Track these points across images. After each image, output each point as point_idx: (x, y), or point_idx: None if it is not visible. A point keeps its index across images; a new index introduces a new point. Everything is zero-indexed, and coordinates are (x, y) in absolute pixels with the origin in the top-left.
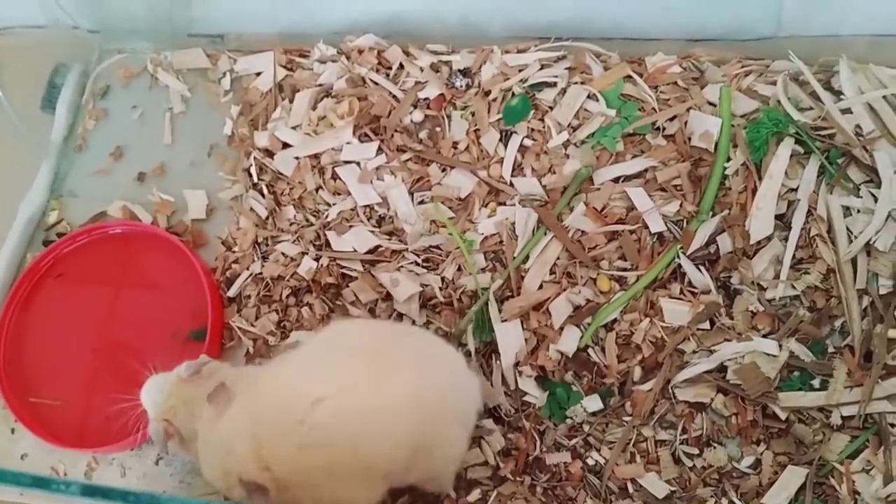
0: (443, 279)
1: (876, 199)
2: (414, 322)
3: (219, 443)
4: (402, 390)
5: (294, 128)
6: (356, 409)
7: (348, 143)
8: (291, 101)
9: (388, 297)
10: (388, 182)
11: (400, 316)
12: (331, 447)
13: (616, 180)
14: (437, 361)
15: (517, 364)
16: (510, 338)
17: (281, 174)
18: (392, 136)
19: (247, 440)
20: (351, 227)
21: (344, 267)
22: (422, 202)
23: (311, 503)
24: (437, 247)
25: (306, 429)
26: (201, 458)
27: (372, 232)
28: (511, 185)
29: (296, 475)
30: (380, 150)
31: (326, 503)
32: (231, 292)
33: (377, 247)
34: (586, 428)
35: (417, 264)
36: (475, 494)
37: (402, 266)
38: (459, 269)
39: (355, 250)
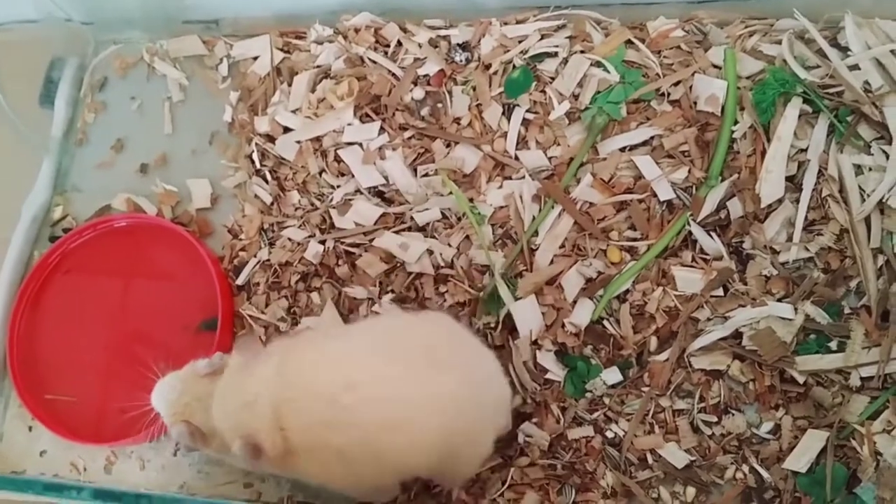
0: (449, 245)
1: (887, 156)
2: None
3: (240, 394)
4: (439, 393)
5: (294, 111)
6: (388, 399)
7: (349, 124)
8: (290, 85)
9: (394, 269)
10: (388, 158)
11: (415, 279)
12: (353, 432)
13: (622, 150)
14: (478, 366)
15: (535, 341)
16: (527, 315)
17: (283, 159)
18: (393, 114)
19: (270, 400)
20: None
21: (350, 245)
22: (426, 175)
23: (316, 472)
24: (445, 216)
25: (336, 408)
26: (216, 402)
27: (376, 204)
28: (516, 158)
29: (309, 447)
30: (382, 129)
31: (330, 483)
32: (240, 280)
33: (383, 214)
34: (607, 401)
35: (424, 234)
36: (495, 481)
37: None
38: (467, 238)
39: (360, 225)
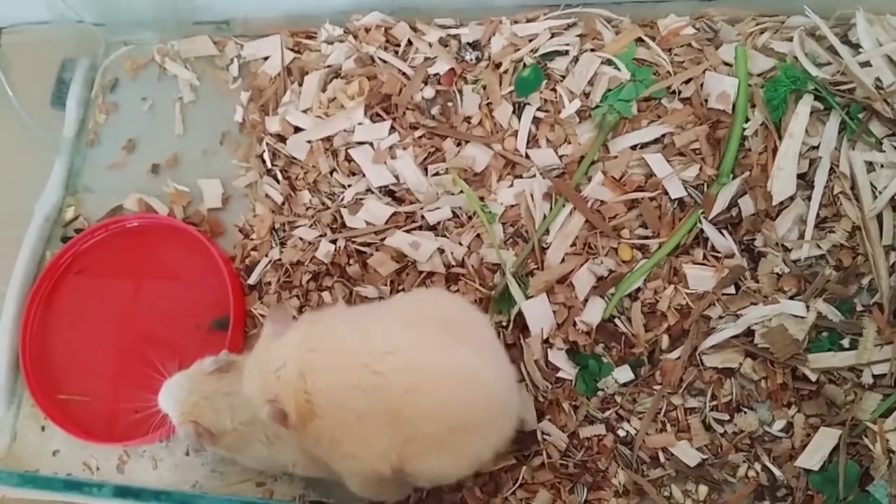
0: (460, 244)
1: None
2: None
3: (267, 359)
4: (463, 365)
5: (305, 111)
6: (418, 366)
7: (360, 123)
8: (301, 84)
9: (405, 268)
10: (399, 157)
11: (427, 278)
12: (374, 395)
13: (633, 148)
14: (501, 370)
15: (546, 340)
16: (538, 313)
17: (294, 159)
18: (404, 113)
19: (297, 365)
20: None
21: (362, 244)
22: (436, 174)
23: (327, 444)
24: (456, 215)
25: (367, 372)
26: (247, 370)
27: (387, 204)
28: (527, 157)
29: (330, 409)
30: (392, 128)
31: (340, 451)
32: (251, 280)
33: (394, 214)
34: (618, 399)
35: (435, 232)
36: (508, 482)
37: (419, 229)
38: (478, 236)
39: (371, 224)
